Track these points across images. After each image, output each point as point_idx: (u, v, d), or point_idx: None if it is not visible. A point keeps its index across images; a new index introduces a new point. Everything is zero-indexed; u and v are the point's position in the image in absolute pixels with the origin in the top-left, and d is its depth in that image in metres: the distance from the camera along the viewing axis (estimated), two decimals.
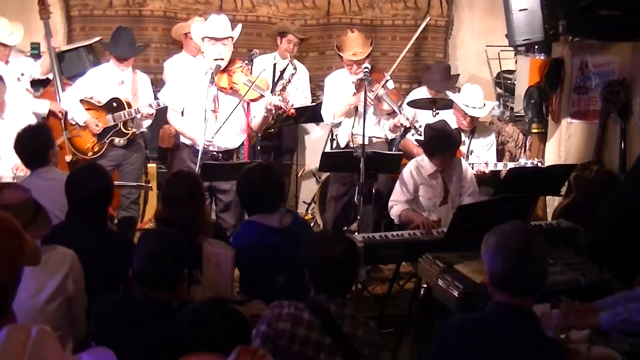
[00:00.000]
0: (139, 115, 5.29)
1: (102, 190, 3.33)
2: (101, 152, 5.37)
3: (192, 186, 3.52)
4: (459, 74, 6.34)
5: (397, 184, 4.74)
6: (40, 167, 3.92)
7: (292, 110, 4.79)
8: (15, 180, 4.36)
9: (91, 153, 5.37)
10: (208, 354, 2.20)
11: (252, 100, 4.76)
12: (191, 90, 4.83)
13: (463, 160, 4.89)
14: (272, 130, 5.92)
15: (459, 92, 5.59)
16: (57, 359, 1.89)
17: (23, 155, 4.04)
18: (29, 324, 1.90)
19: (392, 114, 5.27)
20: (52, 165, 3.97)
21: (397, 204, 4.68)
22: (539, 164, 5.05)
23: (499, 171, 5.26)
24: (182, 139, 4.97)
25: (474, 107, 5.22)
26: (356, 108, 5.14)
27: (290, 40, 6.08)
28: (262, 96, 4.71)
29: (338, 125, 5.50)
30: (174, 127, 5.08)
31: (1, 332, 1.81)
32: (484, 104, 5.32)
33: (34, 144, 3.98)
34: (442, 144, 4.55)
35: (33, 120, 5.16)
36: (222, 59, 4.67)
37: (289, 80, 5.94)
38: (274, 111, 4.73)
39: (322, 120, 5.70)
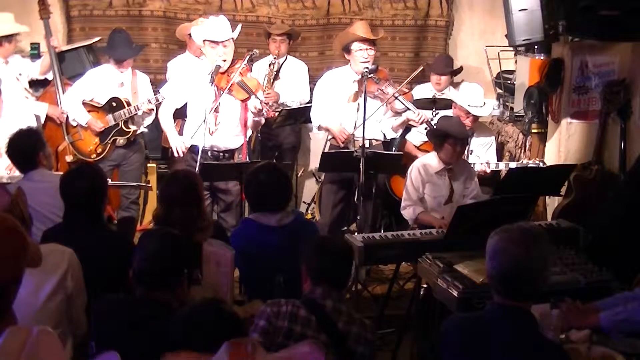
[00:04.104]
0: (139, 112, 5.30)
1: (92, 190, 3.32)
2: (104, 153, 5.38)
3: (188, 185, 3.52)
4: (461, 67, 6.35)
5: (407, 185, 4.74)
6: (31, 169, 3.93)
7: (273, 113, 4.81)
8: (9, 181, 4.37)
9: (94, 155, 5.37)
10: (188, 352, 2.20)
11: (243, 101, 4.79)
12: (193, 91, 4.85)
13: (468, 163, 4.90)
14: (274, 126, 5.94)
15: (458, 88, 5.60)
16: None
17: (14, 159, 4.07)
18: (30, 326, 1.89)
19: (401, 112, 5.24)
20: (43, 167, 3.97)
21: (410, 206, 4.68)
22: (541, 164, 5.05)
23: (500, 171, 5.27)
24: (184, 139, 4.98)
25: (475, 107, 5.23)
26: (357, 108, 5.11)
27: (274, 39, 6.11)
28: (249, 97, 4.73)
29: None
30: (160, 121, 5.10)
31: (3, 334, 1.81)
32: (484, 103, 5.32)
33: (24, 147, 3.99)
34: (457, 129, 4.60)
35: (33, 121, 5.17)
36: (224, 61, 4.69)
37: (272, 74, 5.96)
38: (259, 113, 4.74)
39: None
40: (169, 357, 2.26)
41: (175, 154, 4.87)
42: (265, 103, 4.71)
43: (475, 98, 5.25)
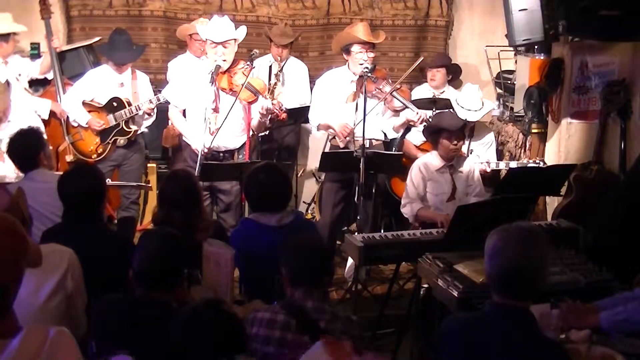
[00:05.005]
0: (140, 112, 5.30)
1: (91, 190, 3.32)
2: (105, 153, 5.38)
3: (188, 185, 3.52)
4: (457, 65, 6.35)
5: (407, 183, 4.77)
6: (32, 169, 3.93)
7: (284, 115, 4.81)
8: (16, 180, 4.37)
9: (95, 155, 5.37)
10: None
11: (249, 103, 4.79)
12: (194, 90, 4.85)
13: (470, 161, 4.90)
14: (266, 132, 5.91)
15: (460, 89, 5.60)
16: None
17: (15, 159, 4.07)
18: (49, 329, 1.90)
19: (400, 111, 5.24)
20: (43, 167, 3.97)
21: (410, 203, 4.70)
22: (541, 164, 5.05)
23: (500, 170, 5.27)
24: (184, 138, 4.99)
25: (469, 110, 5.24)
26: (356, 108, 5.11)
27: (277, 45, 6.12)
28: (257, 98, 4.73)
29: None
30: (174, 124, 5.11)
31: (20, 333, 1.82)
32: (483, 104, 5.32)
33: (25, 147, 3.99)
34: (449, 123, 4.63)
35: (38, 122, 5.17)
36: (224, 60, 4.70)
37: (276, 82, 5.97)
38: (267, 114, 4.74)
39: None
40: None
41: (201, 154, 4.61)
42: (276, 105, 4.70)
43: (470, 101, 5.25)
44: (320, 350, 2.05)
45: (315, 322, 2.67)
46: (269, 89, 5.85)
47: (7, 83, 5.10)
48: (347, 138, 5.06)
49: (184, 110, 5.03)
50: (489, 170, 5.15)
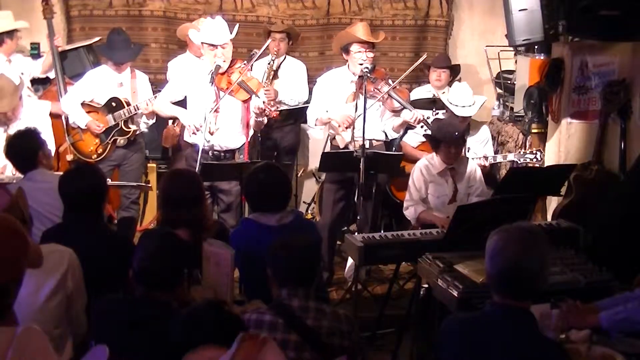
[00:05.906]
0: (139, 112, 5.30)
1: (92, 190, 3.32)
2: (105, 153, 5.38)
3: (193, 184, 3.52)
4: (459, 65, 6.36)
5: (410, 185, 4.77)
6: (31, 170, 3.92)
7: (275, 114, 4.82)
8: (14, 181, 4.37)
9: (95, 155, 5.38)
10: (208, 347, 2.20)
11: (244, 101, 4.79)
12: (193, 90, 4.85)
13: (472, 161, 4.90)
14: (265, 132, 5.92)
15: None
16: (42, 358, 1.89)
17: (13, 160, 4.06)
18: (15, 327, 1.89)
19: (400, 111, 5.24)
20: (43, 167, 3.97)
21: (412, 205, 4.70)
22: (539, 153, 5.07)
23: (498, 164, 5.28)
24: (185, 138, 4.99)
25: (463, 107, 5.25)
26: (356, 108, 5.10)
27: (275, 37, 6.09)
28: (250, 97, 4.73)
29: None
30: (162, 111, 5.10)
31: None
32: (474, 102, 5.34)
33: (23, 148, 3.98)
34: (447, 134, 4.61)
35: (46, 121, 5.17)
36: (224, 61, 4.70)
37: (271, 72, 5.96)
38: (260, 114, 4.74)
39: None
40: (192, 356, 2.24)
41: (191, 134, 4.76)
42: (267, 103, 4.71)
43: (461, 97, 5.26)
44: (234, 344, 2.04)
45: (303, 320, 2.67)
46: (268, 76, 5.84)
47: (21, 82, 5.10)
48: (348, 129, 5.03)
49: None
50: (487, 164, 5.17)
